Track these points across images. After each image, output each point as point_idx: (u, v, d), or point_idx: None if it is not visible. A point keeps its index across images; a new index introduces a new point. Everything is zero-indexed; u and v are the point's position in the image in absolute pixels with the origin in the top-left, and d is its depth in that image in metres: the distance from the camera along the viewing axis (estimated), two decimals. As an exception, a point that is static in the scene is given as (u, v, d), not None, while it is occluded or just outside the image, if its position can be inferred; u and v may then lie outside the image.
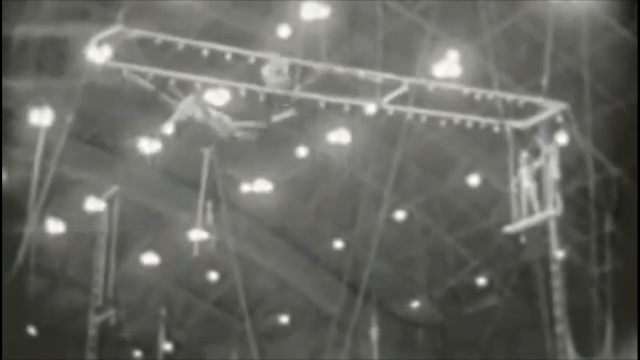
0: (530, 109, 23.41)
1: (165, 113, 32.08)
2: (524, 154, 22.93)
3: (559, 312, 22.53)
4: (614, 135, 29.39)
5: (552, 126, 23.36)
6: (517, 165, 23.03)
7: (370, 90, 22.17)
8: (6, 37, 27.90)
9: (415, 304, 40.20)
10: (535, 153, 23.03)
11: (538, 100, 23.07)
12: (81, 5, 27.20)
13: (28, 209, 25.23)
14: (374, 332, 32.95)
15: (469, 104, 23.07)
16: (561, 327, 22.68)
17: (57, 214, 34.17)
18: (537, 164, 22.73)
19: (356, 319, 31.86)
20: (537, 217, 22.81)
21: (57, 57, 27.08)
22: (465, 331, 38.00)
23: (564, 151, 23.91)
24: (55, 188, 26.59)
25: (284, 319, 42.06)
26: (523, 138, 23.75)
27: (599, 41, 26.56)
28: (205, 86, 20.92)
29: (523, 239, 24.70)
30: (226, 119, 19.18)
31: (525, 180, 22.85)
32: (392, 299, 39.45)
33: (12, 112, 28.98)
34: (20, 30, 27.68)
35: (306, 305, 40.40)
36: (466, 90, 22.64)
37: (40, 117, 25.44)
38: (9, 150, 29.70)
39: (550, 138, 23.49)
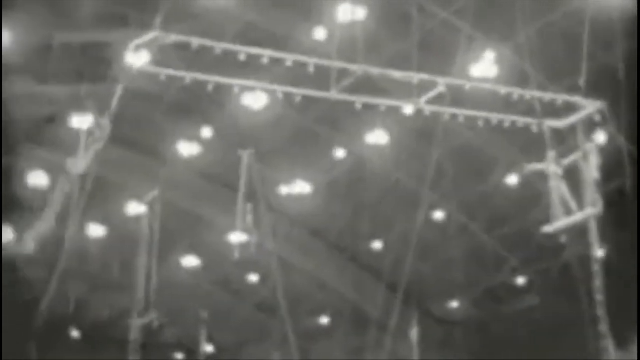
0: (568, 108, 23.29)
1: (204, 116, 32.50)
2: (553, 153, 22.78)
3: (600, 311, 22.34)
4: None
5: (590, 125, 23.21)
6: (555, 165, 22.89)
7: (407, 90, 22.16)
8: (47, 44, 28.24)
9: (454, 304, 40.14)
10: (573, 152, 22.88)
11: (576, 99, 22.94)
12: (119, 11, 27.45)
13: (70, 213, 25.43)
14: (414, 333, 32.87)
15: (506, 104, 22.99)
16: (603, 327, 22.51)
17: (98, 219, 34.49)
18: (568, 162, 22.57)
19: (396, 319, 31.89)
20: (577, 217, 22.66)
21: (96, 63, 27.35)
22: (505, 331, 37.89)
23: (602, 150, 23.78)
24: (97, 192, 26.85)
25: (324, 320, 42.15)
26: (561, 137, 23.64)
27: (636, 38, 26.41)
28: (243, 89, 21.07)
29: (563, 239, 24.56)
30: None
31: (557, 179, 22.72)
32: (432, 299, 39.43)
33: (54, 117, 29.32)
34: (61, 37, 28.02)
35: (346, 306, 40.46)
36: (503, 90, 22.56)
37: (81, 122, 25.68)
38: (51, 154, 30.00)
39: (588, 137, 23.34)
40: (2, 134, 28.90)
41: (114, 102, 21.04)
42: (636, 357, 28.14)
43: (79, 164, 22.79)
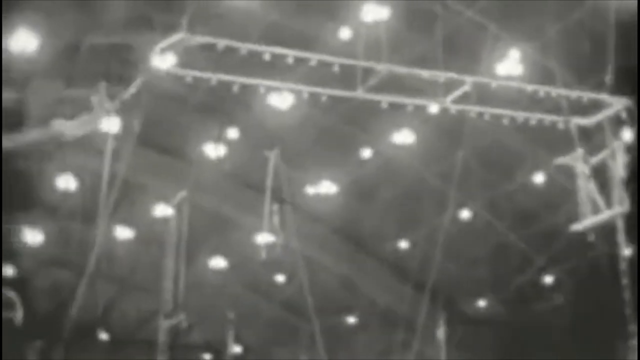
0: (595, 106, 23.21)
1: (230, 117, 32.57)
2: (581, 151, 22.70)
3: (628, 310, 22.24)
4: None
5: (617, 123, 23.11)
6: (577, 162, 22.82)
7: (432, 89, 22.17)
8: (74, 46, 28.39)
9: (482, 303, 40.05)
10: (600, 150, 22.80)
11: (602, 96, 22.86)
12: (145, 14, 27.55)
13: (98, 215, 25.56)
14: (441, 332, 32.84)
15: (532, 102, 22.94)
16: (632, 326, 22.41)
17: (126, 220, 34.65)
18: (597, 160, 22.49)
19: (423, 318, 31.87)
20: (605, 215, 22.57)
21: (123, 65, 27.45)
22: (533, 330, 37.77)
23: (629, 147, 23.67)
24: (124, 194, 26.96)
25: (351, 320, 42.16)
26: (588, 135, 23.55)
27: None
28: (268, 89, 21.14)
29: (591, 237, 24.44)
30: None
31: (585, 177, 22.63)
32: (459, 298, 39.34)
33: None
34: (87, 40, 28.16)
35: (373, 306, 40.47)
36: (529, 87, 22.53)
37: (109, 124, 25.80)
38: (78, 156, 30.14)
39: (615, 135, 23.24)
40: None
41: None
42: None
43: (113, 168, 22.98)
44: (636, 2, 23.86)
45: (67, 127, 21.70)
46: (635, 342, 22.18)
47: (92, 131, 22.05)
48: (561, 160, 22.88)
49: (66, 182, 31.52)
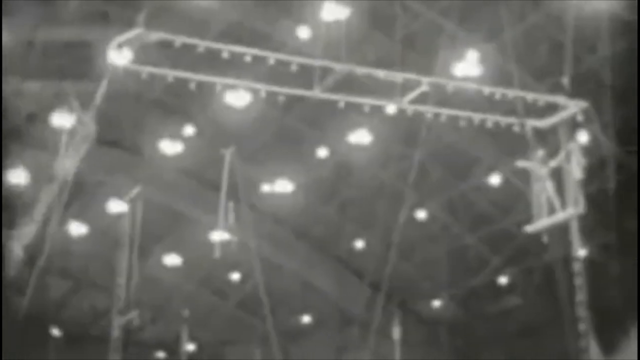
0: (552, 108, 23.31)
1: (186, 115, 32.41)
2: (541, 153, 22.81)
3: (581, 311, 22.36)
4: (634, 134, 29.32)
5: (573, 125, 23.23)
6: (537, 164, 22.90)
7: (390, 90, 22.13)
8: (29, 41, 28.08)
9: (437, 303, 40.17)
10: (556, 152, 22.90)
11: (558, 99, 22.96)
12: (102, 9, 27.34)
13: (51, 211, 25.30)
14: (396, 332, 32.87)
15: (489, 104, 22.99)
16: (584, 326, 22.53)
17: (80, 216, 34.35)
18: (556, 162, 22.59)
19: (378, 318, 31.88)
20: (559, 217, 22.69)
21: (78, 60, 27.23)
22: (487, 330, 37.96)
23: (585, 150, 23.81)
24: (78, 190, 26.70)
25: (307, 319, 42.09)
26: (544, 137, 23.65)
27: (620, 40, 26.50)
28: (226, 87, 21.01)
29: (545, 238, 24.57)
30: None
31: (544, 179, 22.74)
32: (414, 298, 39.44)
33: (35, 115, 29.16)
34: (43, 34, 27.87)
35: (328, 305, 40.43)
36: (486, 89, 22.56)
37: (63, 120, 25.54)
38: (33, 153, 29.87)
39: (571, 137, 23.36)
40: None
41: (97, 100, 20.95)
42: (621, 358, 28.26)
43: (67, 165, 22.71)
44: (593, 7, 24.04)
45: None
46: (586, 342, 22.30)
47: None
48: (522, 163, 22.95)
49: (18, 177, 31.16)
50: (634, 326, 26.81)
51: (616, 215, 26.87)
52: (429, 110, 22.40)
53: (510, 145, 24.85)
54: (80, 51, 27.59)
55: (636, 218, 28.55)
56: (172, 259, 38.84)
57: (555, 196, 22.39)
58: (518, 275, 37.30)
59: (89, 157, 25.03)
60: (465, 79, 24.76)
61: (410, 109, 22.35)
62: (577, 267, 22.46)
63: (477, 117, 22.86)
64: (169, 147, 32.44)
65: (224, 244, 27.45)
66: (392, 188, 34.05)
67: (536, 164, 22.64)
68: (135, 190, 28.61)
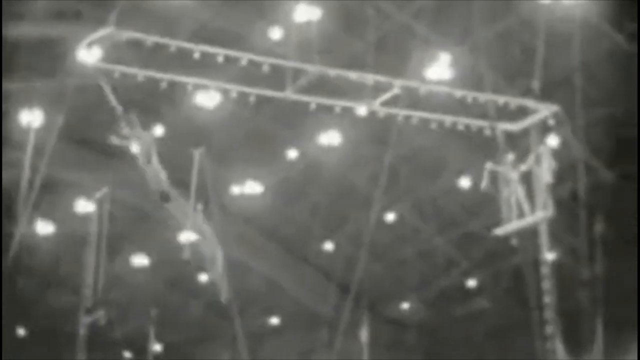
0: (523, 112, 23.39)
1: (156, 114, 32.23)
2: (512, 157, 22.87)
3: (549, 314, 22.47)
4: (605, 138, 29.52)
5: (544, 129, 23.32)
6: (507, 168, 22.97)
7: (362, 92, 22.12)
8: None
9: (405, 305, 40.25)
10: (526, 155, 22.97)
11: (529, 102, 23.03)
12: (73, 7, 27.15)
13: (18, 209, 25.14)
14: (364, 333, 32.90)
15: (461, 106, 23.02)
16: (551, 329, 22.64)
17: (47, 215, 34.12)
18: (527, 166, 22.66)
19: (346, 319, 31.88)
20: (528, 220, 22.77)
21: (48, 58, 27.04)
22: (456, 332, 38.08)
23: (555, 153, 23.90)
24: (46, 189, 26.51)
25: (275, 320, 42.09)
26: (515, 140, 23.72)
27: (592, 44, 26.62)
28: (197, 87, 20.91)
29: (514, 242, 24.67)
30: (162, 174, 19.79)
31: (514, 182, 22.81)
32: (383, 300, 39.48)
33: (4, 112, 28.93)
34: (12, 31, 27.63)
35: (297, 307, 40.42)
36: (458, 92, 22.59)
37: (31, 118, 25.39)
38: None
39: (541, 140, 23.44)
40: None
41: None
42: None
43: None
44: (564, 11, 24.14)
45: None
46: (553, 345, 22.41)
47: None
48: (491, 166, 22.99)
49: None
50: (600, 329, 26.94)
51: (585, 219, 26.98)
52: (400, 112, 22.41)
53: (481, 148, 24.87)
54: (51, 49, 27.41)
55: (605, 222, 28.74)
56: (140, 259, 38.70)
57: (525, 199, 22.46)
58: (487, 278, 37.45)
59: (57, 156, 24.89)
60: (437, 81, 24.77)
61: (382, 111, 22.36)
62: (545, 270, 22.57)
63: (448, 119, 22.90)
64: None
65: (192, 245, 27.35)
66: (362, 190, 34.06)
67: (507, 167, 22.70)
68: (103, 190, 28.47)
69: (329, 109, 22.12)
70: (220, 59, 20.04)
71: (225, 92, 21.33)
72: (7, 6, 26.06)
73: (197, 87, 20.95)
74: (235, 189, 35.01)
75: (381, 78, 21.73)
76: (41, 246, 35.49)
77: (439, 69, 26.42)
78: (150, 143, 20.70)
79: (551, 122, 22.99)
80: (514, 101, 23.03)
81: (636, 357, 29.45)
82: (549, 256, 22.87)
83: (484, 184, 22.77)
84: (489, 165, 22.86)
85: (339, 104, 21.96)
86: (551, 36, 23.28)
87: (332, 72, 21.28)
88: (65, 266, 37.31)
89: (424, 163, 33.98)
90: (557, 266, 23.90)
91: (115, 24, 18.98)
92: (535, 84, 22.79)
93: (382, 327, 38.05)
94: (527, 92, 23.17)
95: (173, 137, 32.14)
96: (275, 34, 26.50)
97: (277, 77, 20.85)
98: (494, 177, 23.28)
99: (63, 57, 23.87)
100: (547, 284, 22.56)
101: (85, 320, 27.99)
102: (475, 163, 31.84)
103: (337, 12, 25.98)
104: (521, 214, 22.56)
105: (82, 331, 28.09)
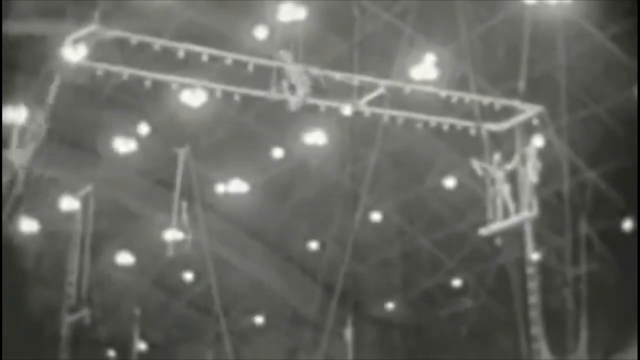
0: (508, 112, 23.42)
1: (141, 113, 32.16)
2: (498, 156, 22.91)
3: (534, 314, 22.49)
4: (590, 139, 29.58)
5: (529, 129, 23.35)
6: (492, 168, 23.00)
7: (347, 91, 22.11)
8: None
9: (390, 305, 40.26)
10: (511, 155, 23.01)
11: (514, 103, 23.07)
12: (57, 5, 27.04)
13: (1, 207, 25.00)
14: (349, 333, 32.88)
15: (446, 107, 23.04)
16: (536, 329, 22.67)
17: (30, 213, 33.97)
18: (512, 166, 22.70)
19: (331, 319, 31.85)
20: (513, 220, 22.80)
21: (32, 56, 26.88)
22: (440, 332, 38.10)
23: (540, 154, 23.95)
24: (29, 187, 26.38)
25: (259, 320, 42.04)
26: (500, 141, 23.75)
27: (576, 45, 26.70)
28: (181, 86, 20.86)
29: (499, 242, 24.70)
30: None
31: (500, 182, 22.84)
32: (368, 300, 39.46)
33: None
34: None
35: (281, 306, 40.40)
36: (443, 93, 22.61)
37: (14, 116, 25.22)
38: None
39: (526, 141, 23.48)
40: None
41: (50, 97, 20.72)
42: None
43: (22, 154, 22.45)
44: (549, 12, 24.19)
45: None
46: (538, 345, 22.43)
47: None
48: (477, 164, 23.03)
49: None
50: (584, 329, 26.99)
51: (570, 220, 27.03)
52: (385, 112, 22.42)
53: (466, 148, 24.89)
54: (35, 46, 27.28)
55: (589, 222, 28.84)
56: (124, 258, 38.60)
57: (510, 199, 22.50)
58: (471, 278, 37.47)
59: (40, 154, 24.75)
60: (422, 82, 24.79)
61: (367, 111, 22.35)
62: (530, 270, 22.60)
63: (433, 120, 22.93)
64: (123, 145, 32.24)
65: (177, 243, 27.30)
66: (347, 189, 34.03)
67: (492, 167, 22.74)
68: (87, 188, 28.40)
69: (314, 108, 22.12)
70: (204, 58, 20.02)
71: (210, 91, 21.30)
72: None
73: (182, 85, 20.91)
74: (220, 188, 34.95)
75: (366, 78, 21.75)
76: (25, 244, 35.31)
77: (424, 69, 26.45)
78: None
79: (535, 122, 23.05)
80: (499, 101, 23.08)
81: (636, 357, 29.47)
82: (534, 256, 22.90)
83: (479, 171, 22.84)
84: (475, 163, 22.92)
85: (323, 103, 21.95)
86: (535, 36, 23.32)
87: (317, 71, 21.27)
88: (49, 264, 37.19)
89: (409, 163, 34.01)
90: (541, 266, 23.93)
91: (99, 22, 18.93)
92: (520, 85, 22.83)
93: (367, 327, 38.05)
94: (511, 93, 23.21)
95: (157, 136, 32.16)
96: (261, 33, 26.47)
97: (262, 77, 20.83)
98: (480, 177, 23.34)
99: (47, 55, 23.75)
100: (531, 284, 22.60)
101: (68, 319, 27.91)
102: (460, 163, 32.02)
103: (322, 12, 25.96)
104: (506, 214, 22.60)
105: (65, 331, 28.02)
